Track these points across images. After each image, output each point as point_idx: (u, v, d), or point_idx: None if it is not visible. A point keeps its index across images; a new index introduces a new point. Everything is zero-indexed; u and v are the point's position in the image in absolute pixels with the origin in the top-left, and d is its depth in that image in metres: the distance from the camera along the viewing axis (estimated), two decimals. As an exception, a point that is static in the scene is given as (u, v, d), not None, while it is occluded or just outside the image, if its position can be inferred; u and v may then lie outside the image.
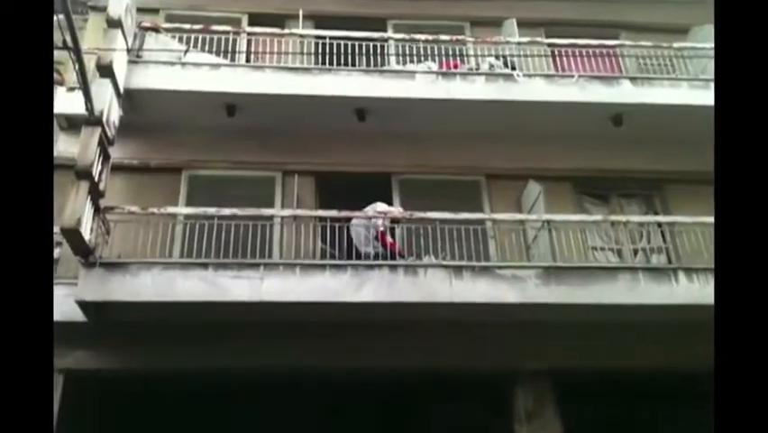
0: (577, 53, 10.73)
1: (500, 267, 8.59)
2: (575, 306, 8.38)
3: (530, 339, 8.58)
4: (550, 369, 8.61)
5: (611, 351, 8.59)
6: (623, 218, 9.65)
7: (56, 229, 7.71)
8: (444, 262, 8.50)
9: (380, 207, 9.28)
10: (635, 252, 9.92)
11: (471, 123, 10.06)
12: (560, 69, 10.91)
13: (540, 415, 8.43)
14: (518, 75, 10.12)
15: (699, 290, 8.50)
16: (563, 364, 8.60)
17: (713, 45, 10.63)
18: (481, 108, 9.96)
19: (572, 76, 10.22)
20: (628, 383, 8.75)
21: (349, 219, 9.00)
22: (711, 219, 9.02)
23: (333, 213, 8.83)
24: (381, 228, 8.97)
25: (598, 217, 9.56)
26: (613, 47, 11.00)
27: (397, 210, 9.29)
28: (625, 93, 10.14)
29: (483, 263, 8.69)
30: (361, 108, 9.92)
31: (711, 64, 10.79)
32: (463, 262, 8.56)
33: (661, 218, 9.86)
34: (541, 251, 9.08)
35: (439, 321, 8.38)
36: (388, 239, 8.98)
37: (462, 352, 8.53)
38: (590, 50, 10.78)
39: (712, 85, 10.22)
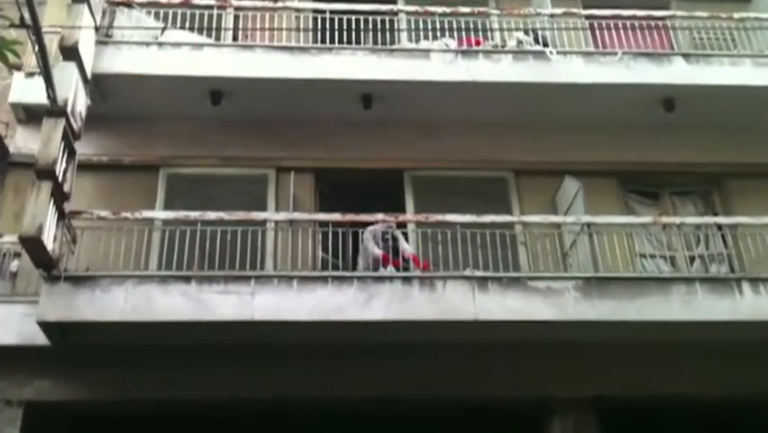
0: (620, 26, 10.66)
1: (532, 278, 8.54)
2: (621, 323, 8.31)
3: (568, 363, 8.53)
4: (592, 397, 8.56)
5: (663, 376, 8.54)
6: (677, 220, 9.61)
7: (13, 238, 7.74)
8: (467, 274, 8.46)
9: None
10: (692, 259, 9.86)
11: (497, 109, 10.03)
12: (600, 45, 10.82)
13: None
14: (551, 52, 10.09)
15: (767, 304, 8.42)
16: (607, 392, 8.54)
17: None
18: (508, 92, 9.92)
19: (615, 53, 10.17)
20: (684, 414, 8.69)
21: (354, 224, 8.97)
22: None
23: (336, 216, 8.81)
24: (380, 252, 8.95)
25: (648, 219, 9.52)
26: (663, 18, 10.98)
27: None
28: (677, 73, 10.09)
29: (512, 274, 8.66)
30: (368, 93, 9.90)
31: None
32: (489, 273, 8.53)
33: (721, 219, 9.83)
34: (580, 259, 9.04)
35: (461, 342, 8.35)
36: (408, 255, 8.99)
37: (488, 378, 8.50)
38: (636, 23, 10.72)
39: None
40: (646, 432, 8.78)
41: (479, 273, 8.49)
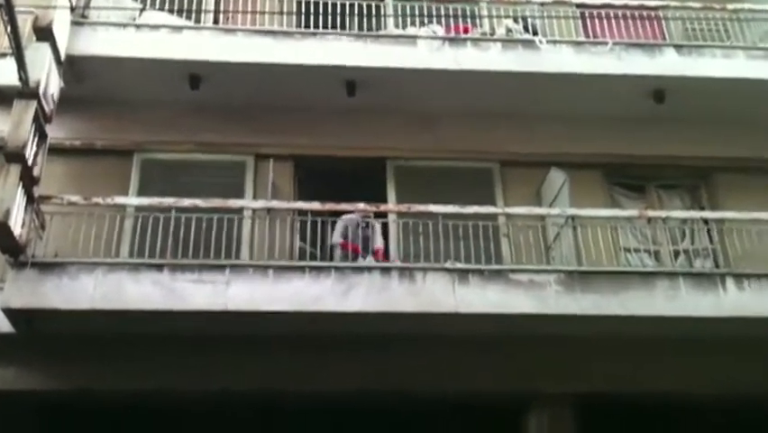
0: (612, 16, 10.67)
1: (514, 271, 8.53)
2: (603, 318, 8.30)
3: (549, 357, 8.50)
4: (573, 393, 8.55)
5: (645, 372, 8.54)
6: (662, 214, 9.62)
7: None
8: (448, 265, 8.43)
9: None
10: (676, 254, 9.87)
11: (484, 98, 10.00)
12: (591, 34, 10.83)
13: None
14: (541, 41, 10.07)
15: (751, 300, 8.45)
16: (588, 388, 8.53)
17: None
18: (496, 81, 9.89)
19: (606, 43, 10.16)
20: (665, 411, 8.73)
21: (334, 213, 8.99)
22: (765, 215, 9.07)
23: (316, 205, 8.78)
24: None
25: (633, 213, 9.51)
26: (655, 9, 10.94)
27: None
28: (669, 64, 10.07)
29: (494, 266, 8.65)
30: (352, 80, 9.85)
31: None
32: (470, 265, 8.52)
33: (708, 214, 9.82)
34: (564, 252, 9.05)
35: (441, 335, 8.31)
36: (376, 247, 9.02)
37: (468, 372, 8.47)
38: (628, 13, 10.73)
39: (774, 53, 10.22)
40: (630, 428, 8.82)
41: (459, 265, 8.47)
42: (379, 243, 9.17)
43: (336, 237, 8.99)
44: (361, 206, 8.99)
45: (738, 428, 8.81)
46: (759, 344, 8.50)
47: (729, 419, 8.81)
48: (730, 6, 10.92)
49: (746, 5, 11.00)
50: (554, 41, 10.25)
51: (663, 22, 11.24)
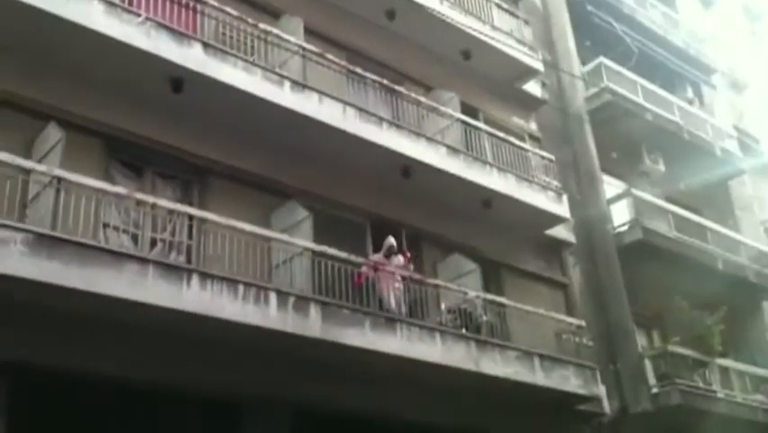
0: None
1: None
2: (63, 289, 8.06)
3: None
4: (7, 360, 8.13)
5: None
6: (151, 199, 9.65)
7: None
8: None
9: None
10: (154, 242, 10.02)
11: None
12: (129, 0, 10.37)
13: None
14: (73, -10, 9.42)
15: (210, 300, 8.98)
16: (25, 356, 8.24)
17: (300, 40, 11.83)
18: (5, 6, 8.97)
19: (140, 14, 9.97)
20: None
21: None
22: (241, 225, 9.75)
23: None
24: None
25: (123, 191, 9.36)
26: (196, 1, 11.04)
27: None
28: (192, 57, 10.26)
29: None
30: None
31: (293, 60, 11.72)
32: None
33: (194, 211, 10.12)
34: (41, 213, 8.54)
35: None
36: None
37: None
38: (167, -6, 10.65)
39: (287, 83, 11.10)
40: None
41: None
42: None
43: None
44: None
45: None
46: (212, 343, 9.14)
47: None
48: (262, 26, 11.57)
49: (276, 30, 11.74)
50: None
51: (200, 16, 11.35)
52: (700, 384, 15.67)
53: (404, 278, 11.59)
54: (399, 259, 11.79)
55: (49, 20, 9.23)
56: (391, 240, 11.82)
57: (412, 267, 11.92)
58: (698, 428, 14.84)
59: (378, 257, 11.67)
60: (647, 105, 18.49)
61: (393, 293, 11.31)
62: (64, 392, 8.58)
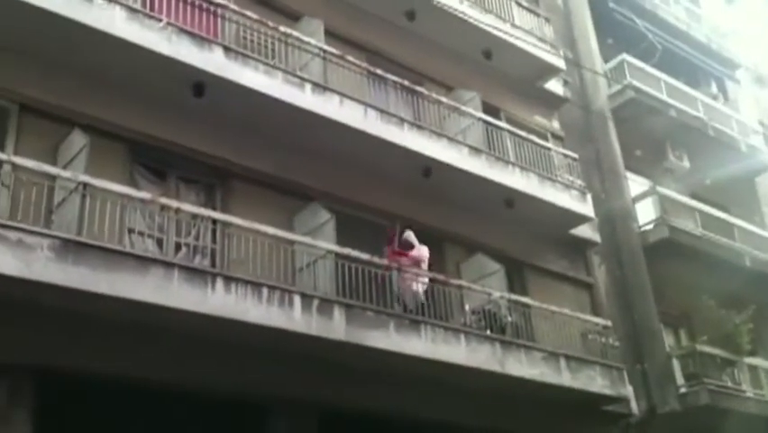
0: (174, -5, 10.56)
1: (5, 225, 7.91)
2: (90, 294, 8.14)
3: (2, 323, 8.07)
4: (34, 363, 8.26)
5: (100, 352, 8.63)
6: (175, 204, 9.70)
7: None
8: None
9: None
10: (179, 246, 10.08)
11: (18, 28, 9.19)
12: (150, 6, 10.46)
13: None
14: (97, -6, 9.54)
15: (234, 303, 9.02)
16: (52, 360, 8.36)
17: (320, 42, 11.88)
18: (30, 13, 9.08)
19: (161, 20, 10.04)
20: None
21: None
22: (265, 228, 9.79)
23: None
24: None
25: (147, 195, 9.43)
26: (216, 5, 11.13)
27: None
28: (212, 61, 10.32)
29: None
30: None
31: (314, 63, 11.77)
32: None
33: (217, 215, 10.17)
34: (67, 219, 8.63)
35: None
36: None
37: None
38: (189, -1, 10.75)
39: (308, 85, 11.14)
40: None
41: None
42: None
43: None
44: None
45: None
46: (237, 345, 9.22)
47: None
48: (282, 29, 11.62)
49: (296, 33, 11.79)
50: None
51: (220, 20, 11.45)
52: (729, 384, 15.52)
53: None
54: (424, 250, 11.69)
55: (71, 26, 9.34)
56: (409, 233, 11.76)
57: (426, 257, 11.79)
58: (727, 428, 14.70)
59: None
60: (671, 101, 18.34)
61: (411, 289, 11.19)
62: (90, 395, 8.66)
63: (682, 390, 15.06)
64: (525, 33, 15.42)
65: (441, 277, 11.77)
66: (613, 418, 13.46)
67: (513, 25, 15.31)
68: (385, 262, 11.03)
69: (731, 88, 22.80)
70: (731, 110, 21.09)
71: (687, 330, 17.15)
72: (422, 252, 11.64)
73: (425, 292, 11.34)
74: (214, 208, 10.62)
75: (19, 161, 8.54)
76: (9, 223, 8.03)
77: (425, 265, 11.56)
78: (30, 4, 9.03)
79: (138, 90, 10.11)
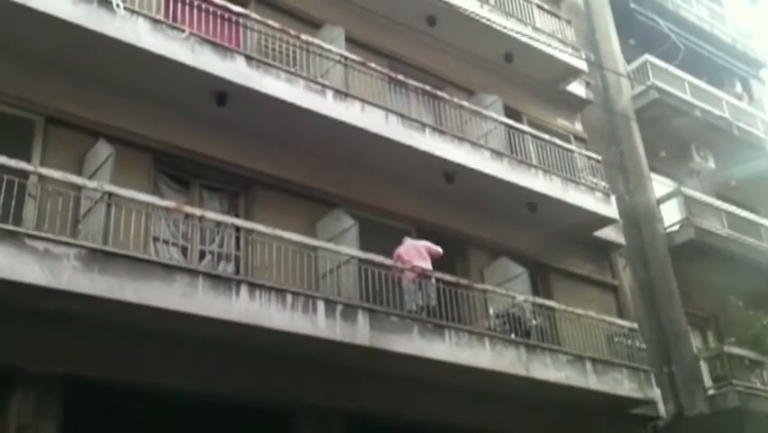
0: (195, 5, 10.63)
1: (32, 236, 8.00)
2: (116, 303, 8.21)
3: (39, 334, 8.17)
4: (61, 373, 8.32)
5: (141, 361, 8.70)
6: (198, 212, 9.76)
7: None
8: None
9: None
10: (203, 254, 10.15)
11: (38, 40, 9.31)
12: (173, 16, 10.55)
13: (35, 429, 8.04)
14: (118, 5, 9.60)
15: (258, 310, 9.05)
16: (79, 369, 8.41)
17: (341, 50, 11.93)
18: (53, 25, 9.20)
19: (183, 30, 10.12)
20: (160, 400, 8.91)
21: None
22: (288, 234, 9.81)
23: None
24: None
25: (172, 204, 9.51)
26: (237, 14, 11.21)
27: None
28: (235, 71, 10.39)
29: (9, 226, 7.96)
30: None
31: (335, 70, 11.81)
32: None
33: (240, 222, 10.24)
34: (93, 228, 8.72)
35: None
36: None
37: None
38: (211, 8, 10.81)
39: (329, 92, 11.18)
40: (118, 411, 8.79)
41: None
42: None
43: None
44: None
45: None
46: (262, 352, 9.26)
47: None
48: (303, 36, 11.67)
49: (317, 41, 11.84)
50: (133, 11, 9.86)
51: (242, 30, 11.54)
52: (758, 385, 15.30)
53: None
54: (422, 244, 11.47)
55: (95, 39, 9.45)
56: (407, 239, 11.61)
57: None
58: (756, 430, 14.48)
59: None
60: (695, 101, 18.17)
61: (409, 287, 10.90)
62: (118, 404, 8.72)
63: (710, 392, 14.87)
64: (547, 36, 15.35)
65: (465, 281, 11.72)
66: (640, 421, 13.33)
67: (534, 28, 15.25)
68: (407, 266, 10.94)
69: (756, 88, 22.54)
70: (756, 110, 20.85)
71: (714, 332, 16.94)
72: (417, 245, 11.44)
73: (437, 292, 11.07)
74: (237, 216, 10.70)
75: (45, 171, 8.65)
76: (36, 233, 8.13)
77: (427, 263, 11.34)
78: (52, 15, 9.14)
79: (161, 100, 10.21)
